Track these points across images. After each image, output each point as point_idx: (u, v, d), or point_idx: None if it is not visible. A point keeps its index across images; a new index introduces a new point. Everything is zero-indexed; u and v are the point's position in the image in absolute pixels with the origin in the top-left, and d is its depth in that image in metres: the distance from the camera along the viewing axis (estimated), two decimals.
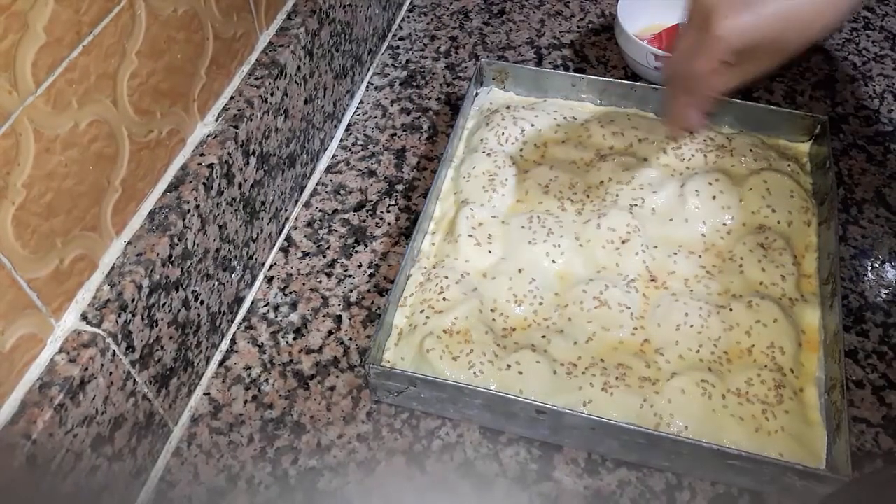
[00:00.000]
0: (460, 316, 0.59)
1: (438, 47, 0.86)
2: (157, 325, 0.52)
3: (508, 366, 0.56)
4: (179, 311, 0.55)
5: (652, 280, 0.62)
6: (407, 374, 0.55)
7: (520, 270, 0.62)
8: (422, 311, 0.60)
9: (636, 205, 0.66)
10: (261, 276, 0.67)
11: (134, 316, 0.50)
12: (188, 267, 0.55)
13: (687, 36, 0.54)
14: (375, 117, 0.79)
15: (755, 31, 0.50)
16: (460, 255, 0.63)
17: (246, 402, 0.59)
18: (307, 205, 0.72)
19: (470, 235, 0.64)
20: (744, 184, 0.66)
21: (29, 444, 0.43)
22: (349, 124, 0.79)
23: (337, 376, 0.60)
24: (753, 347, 0.57)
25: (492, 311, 0.60)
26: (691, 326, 0.58)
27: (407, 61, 0.85)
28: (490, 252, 0.63)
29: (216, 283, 0.59)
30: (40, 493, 0.45)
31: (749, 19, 0.49)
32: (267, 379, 0.60)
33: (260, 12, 0.64)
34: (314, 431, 0.57)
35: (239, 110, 0.60)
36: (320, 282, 0.66)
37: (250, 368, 0.61)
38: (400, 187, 0.73)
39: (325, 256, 0.68)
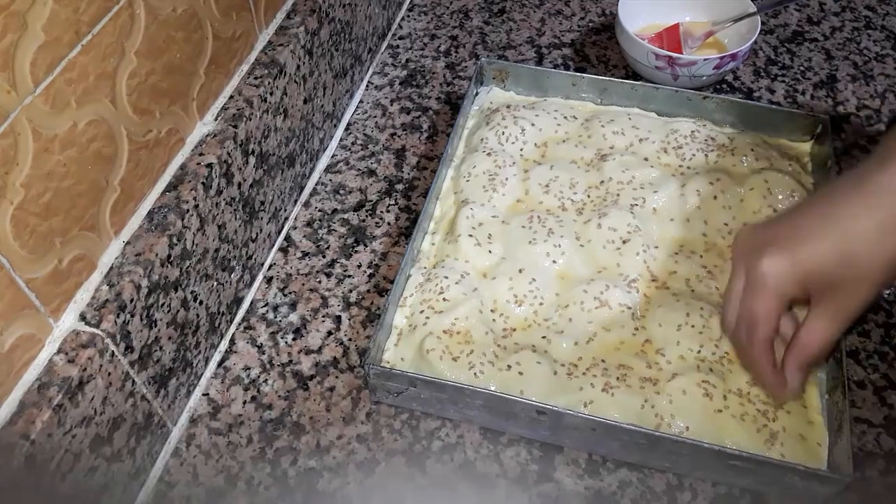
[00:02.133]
0: (460, 316, 0.58)
1: (438, 46, 0.86)
2: (155, 326, 0.52)
3: (509, 366, 0.56)
4: (178, 311, 0.55)
5: (653, 280, 0.62)
6: (407, 375, 0.55)
7: (520, 270, 0.61)
8: (422, 312, 0.60)
9: (637, 204, 0.65)
10: (260, 277, 0.67)
11: (133, 316, 0.50)
12: (187, 267, 0.55)
13: (736, 281, 0.50)
14: (375, 117, 0.79)
15: (800, 269, 0.47)
16: (460, 255, 0.63)
17: (245, 402, 0.59)
18: (307, 204, 0.72)
19: (470, 235, 0.64)
20: (745, 183, 0.66)
21: (27, 444, 0.42)
22: (349, 124, 0.78)
23: (336, 377, 0.60)
24: None
25: (492, 311, 0.60)
26: (692, 327, 0.58)
27: (407, 60, 0.84)
28: (490, 252, 0.63)
29: (215, 284, 0.59)
30: (39, 494, 0.45)
31: (790, 257, 0.47)
32: (266, 379, 0.60)
33: (259, 11, 0.64)
34: (313, 432, 0.57)
35: (238, 110, 0.60)
36: (320, 282, 0.66)
37: (249, 369, 0.61)
38: (400, 187, 0.73)
39: (324, 256, 0.68)
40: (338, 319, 0.64)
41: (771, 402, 0.54)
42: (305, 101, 0.69)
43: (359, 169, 0.74)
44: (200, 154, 0.57)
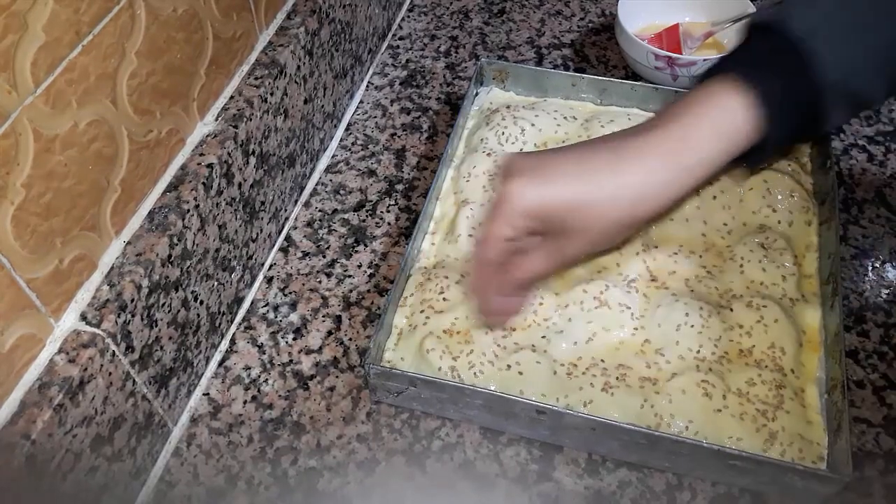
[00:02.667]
0: (460, 316, 0.58)
1: (438, 47, 0.86)
2: (156, 326, 0.52)
3: (508, 366, 0.56)
4: (179, 311, 0.55)
5: (652, 280, 0.62)
6: (407, 375, 0.55)
7: None
8: (422, 311, 0.60)
9: None
10: (260, 276, 0.67)
11: (133, 316, 0.50)
12: (188, 267, 0.55)
13: (491, 207, 0.51)
14: (375, 117, 0.79)
15: (542, 200, 0.48)
16: (460, 255, 0.63)
17: (245, 402, 0.59)
18: (307, 205, 0.72)
19: (470, 235, 0.64)
20: (744, 183, 0.66)
21: (28, 444, 0.43)
22: (349, 124, 0.78)
23: (337, 376, 0.60)
24: (754, 348, 0.57)
25: None
26: (692, 326, 0.58)
27: (407, 61, 0.85)
28: None
29: (216, 283, 0.59)
30: (40, 494, 0.45)
31: (537, 187, 0.48)
32: (266, 379, 0.60)
33: (259, 12, 0.64)
34: (314, 432, 0.57)
35: (238, 110, 0.60)
36: (320, 282, 0.66)
37: (250, 369, 0.61)
38: (400, 187, 0.73)
39: (324, 256, 0.68)
40: (338, 319, 0.64)
41: (771, 403, 0.54)
42: (306, 102, 0.69)
43: (359, 169, 0.74)
44: (201, 154, 0.57)
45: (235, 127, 0.59)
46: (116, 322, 0.48)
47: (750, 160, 0.51)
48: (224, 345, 0.62)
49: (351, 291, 0.65)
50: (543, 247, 0.51)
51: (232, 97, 0.61)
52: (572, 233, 0.49)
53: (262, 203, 0.65)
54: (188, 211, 0.54)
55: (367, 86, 0.82)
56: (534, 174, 0.49)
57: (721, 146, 0.48)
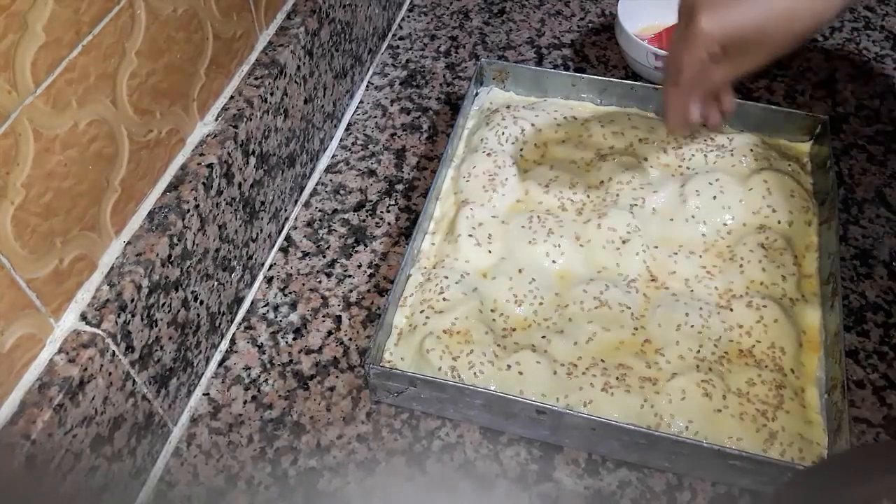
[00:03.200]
0: (460, 316, 0.58)
1: (438, 47, 0.86)
2: (156, 326, 0.52)
3: (508, 366, 0.56)
4: (179, 311, 0.55)
5: (652, 280, 0.62)
6: (407, 375, 0.55)
7: (520, 270, 0.62)
8: (422, 311, 0.60)
9: (636, 205, 0.66)
10: (260, 276, 0.67)
11: (133, 316, 0.50)
12: (188, 267, 0.55)
13: (677, 32, 0.56)
14: (375, 117, 0.79)
15: (735, 26, 0.53)
16: (460, 255, 0.63)
17: (245, 402, 0.59)
18: (307, 205, 0.72)
19: (470, 235, 0.64)
20: (744, 184, 0.66)
21: (28, 444, 0.43)
22: (349, 124, 0.78)
23: (337, 376, 0.60)
24: (754, 348, 0.57)
25: (492, 311, 0.60)
26: (692, 326, 0.58)
27: (407, 61, 0.85)
28: (490, 252, 0.63)
29: (216, 283, 0.59)
30: (40, 494, 0.45)
31: (729, 15, 0.52)
32: (266, 379, 0.60)
33: (259, 12, 0.64)
34: (314, 432, 0.57)
35: (238, 110, 0.60)
36: (320, 282, 0.66)
37: (250, 369, 0.61)
38: (400, 187, 0.73)
39: (324, 256, 0.68)
40: (338, 319, 0.64)
41: (771, 403, 0.54)
42: (306, 102, 0.69)
43: (359, 169, 0.74)
44: (201, 154, 0.57)
45: (235, 127, 0.59)
46: (116, 322, 0.48)
47: None
48: (224, 345, 0.62)
49: (351, 291, 0.65)
50: (724, 64, 0.55)
51: (232, 97, 0.61)
52: (755, 49, 0.54)
53: (262, 203, 0.65)
54: (188, 211, 0.54)
55: (367, 86, 0.82)
56: (716, 2, 0.53)
57: None
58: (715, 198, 0.65)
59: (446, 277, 0.61)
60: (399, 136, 0.77)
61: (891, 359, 0.60)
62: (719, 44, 0.53)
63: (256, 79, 0.62)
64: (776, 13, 0.52)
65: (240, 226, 0.61)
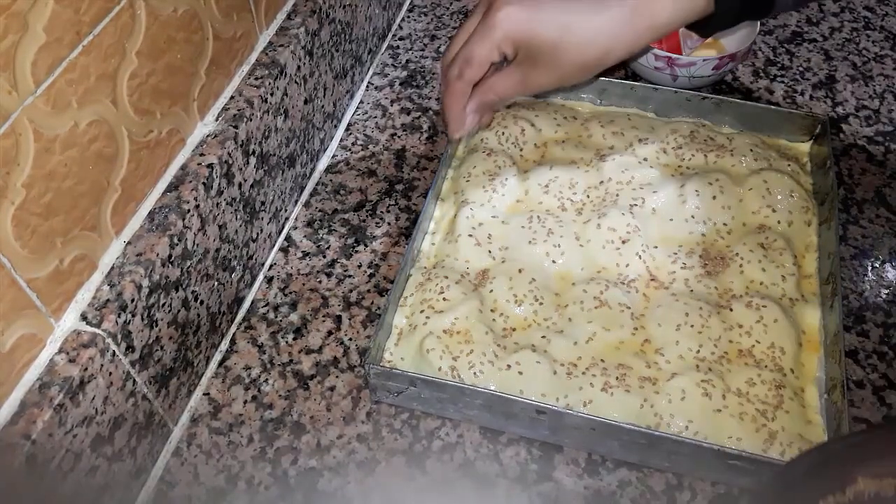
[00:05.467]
0: (460, 316, 0.58)
1: (438, 47, 0.86)
2: (156, 326, 0.52)
3: (508, 366, 0.56)
4: (179, 311, 0.55)
5: (652, 280, 0.62)
6: (407, 375, 0.55)
7: (520, 270, 0.62)
8: (422, 311, 0.60)
9: (636, 205, 0.66)
10: (260, 276, 0.67)
11: (133, 316, 0.50)
12: (188, 267, 0.55)
13: (472, 21, 0.55)
14: (375, 117, 0.79)
15: (531, 29, 0.52)
16: (460, 255, 0.63)
17: (245, 402, 0.59)
18: (307, 205, 0.72)
19: (470, 235, 0.64)
20: (744, 184, 0.66)
21: (28, 444, 0.43)
22: (349, 124, 0.78)
23: (337, 376, 0.60)
24: (754, 348, 0.57)
25: (492, 311, 0.60)
26: (692, 326, 0.58)
27: (407, 61, 0.85)
28: (490, 252, 0.63)
29: (216, 283, 0.59)
30: (40, 494, 0.45)
31: (530, 15, 0.52)
32: (267, 379, 0.60)
33: (260, 12, 0.64)
34: (314, 432, 0.57)
35: (239, 110, 0.60)
36: (320, 282, 0.66)
37: (250, 368, 0.61)
38: (400, 187, 0.73)
39: (324, 256, 0.68)
40: (338, 319, 0.64)
41: (771, 403, 0.54)
42: (306, 102, 0.69)
43: (359, 169, 0.74)
44: (201, 154, 0.57)
45: (236, 127, 0.59)
46: (117, 322, 0.48)
47: (701, 30, 0.57)
48: (224, 345, 0.62)
49: (351, 291, 0.65)
50: (512, 72, 0.54)
51: (232, 97, 0.61)
52: (544, 64, 0.53)
53: (263, 203, 0.65)
54: (188, 211, 0.54)
55: (367, 86, 0.82)
56: (522, 2, 0.52)
57: (681, 13, 0.54)
58: (715, 198, 0.65)
59: (446, 277, 0.61)
60: (399, 136, 0.77)
61: (890, 359, 0.60)
62: (512, 44, 0.52)
63: (257, 79, 0.62)
64: (574, 33, 0.52)
65: (240, 226, 0.62)
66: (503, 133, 0.71)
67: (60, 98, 0.43)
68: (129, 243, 0.52)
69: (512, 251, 0.63)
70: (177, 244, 0.53)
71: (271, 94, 0.63)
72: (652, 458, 0.54)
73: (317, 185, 0.73)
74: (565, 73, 0.54)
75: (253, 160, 0.62)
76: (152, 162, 0.53)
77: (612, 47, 0.53)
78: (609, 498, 0.54)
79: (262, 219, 0.65)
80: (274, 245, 0.69)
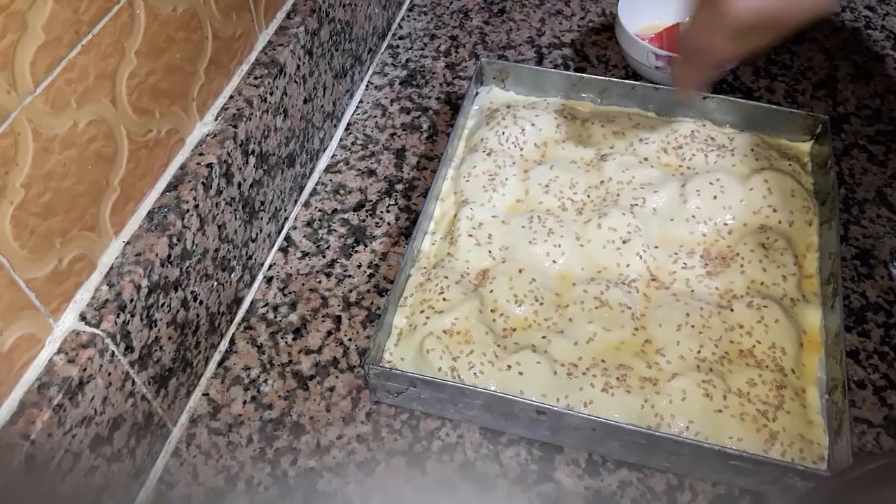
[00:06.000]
0: (460, 316, 0.58)
1: (438, 46, 0.86)
2: (155, 326, 0.52)
3: (509, 366, 0.56)
4: (178, 311, 0.55)
5: (653, 280, 0.62)
6: (407, 375, 0.55)
7: (520, 270, 0.61)
8: (422, 312, 0.60)
9: (637, 205, 0.65)
10: (260, 277, 0.67)
11: (133, 316, 0.50)
12: (187, 267, 0.55)
13: (700, 14, 0.57)
14: (375, 117, 0.79)
15: (764, 9, 0.54)
16: (460, 255, 0.63)
17: (245, 402, 0.59)
18: (307, 204, 0.72)
19: (470, 235, 0.64)
20: (745, 183, 0.66)
21: (28, 444, 0.42)
22: (349, 124, 0.78)
23: (336, 377, 0.60)
24: (755, 348, 0.57)
25: (492, 311, 0.60)
26: (692, 327, 0.58)
27: (407, 60, 0.84)
28: (490, 252, 0.63)
29: (215, 284, 0.59)
30: (39, 494, 0.45)
31: (756, 2, 0.54)
32: (266, 379, 0.60)
33: (259, 11, 0.64)
34: (313, 432, 0.57)
35: (238, 110, 0.60)
36: (320, 282, 0.66)
37: (249, 369, 0.61)
38: (400, 187, 0.73)
39: (324, 256, 0.68)
40: (338, 319, 0.64)
41: (772, 403, 0.54)
42: (305, 101, 0.69)
43: (359, 169, 0.74)
44: (200, 154, 0.57)
45: (235, 127, 0.59)
46: (116, 322, 0.48)
47: None
48: (223, 345, 0.62)
49: (351, 291, 0.65)
50: (733, 39, 0.56)
51: (231, 97, 0.61)
52: (768, 29, 0.56)
53: (262, 203, 0.65)
54: (188, 211, 0.54)
55: (367, 85, 0.82)
56: None
57: None
58: (715, 198, 0.65)
59: (446, 277, 0.61)
60: (399, 136, 0.77)
61: (891, 359, 0.60)
62: (748, 22, 0.55)
63: (256, 78, 0.62)
64: None
65: (239, 226, 0.61)
66: (503, 133, 0.71)
67: (59, 97, 0.43)
68: (128, 243, 0.52)
69: (512, 251, 0.63)
70: (176, 244, 0.53)
71: (271, 94, 0.63)
72: (652, 458, 0.54)
73: (316, 184, 0.73)
74: (785, 31, 0.56)
75: (252, 160, 0.62)
76: (151, 162, 0.53)
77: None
78: (610, 498, 0.54)
79: (262, 219, 0.65)
80: (273, 245, 0.69)
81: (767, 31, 0.56)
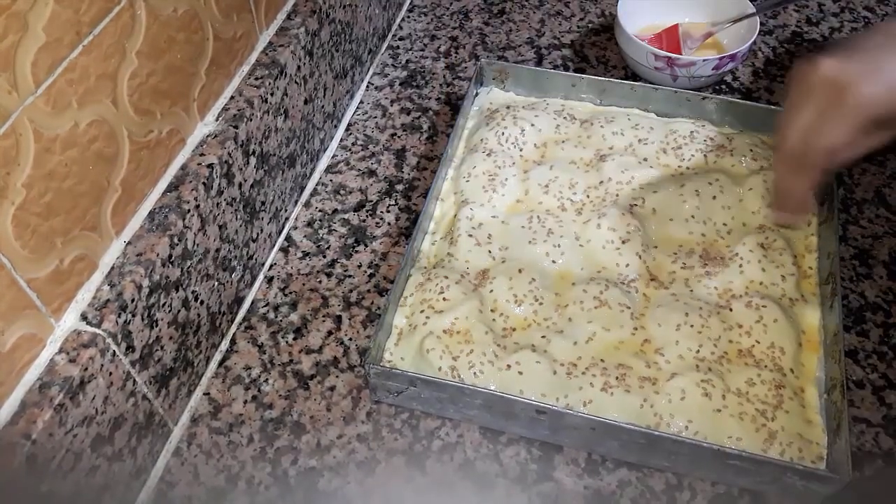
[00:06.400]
0: (460, 316, 0.59)
1: (438, 47, 0.86)
2: (156, 326, 0.52)
3: (508, 366, 0.56)
4: (179, 311, 0.55)
5: (652, 280, 0.62)
6: (407, 375, 0.55)
7: (520, 270, 0.62)
8: (422, 311, 0.60)
9: (636, 205, 0.66)
10: (261, 276, 0.67)
11: (134, 316, 0.50)
12: (188, 267, 0.55)
13: (806, 112, 0.50)
14: (375, 117, 0.79)
15: (889, 100, 0.47)
16: (460, 255, 0.63)
17: (246, 402, 0.59)
18: (307, 205, 0.72)
19: (470, 235, 0.64)
20: (744, 184, 0.66)
21: (29, 444, 0.43)
22: (349, 124, 0.78)
23: (337, 376, 0.60)
24: (754, 347, 0.57)
25: (492, 311, 0.60)
26: (691, 326, 0.58)
27: (407, 61, 0.85)
28: (490, 252, 0.63)
29: (216, 283, 0.59)
30: (40, 494, 0.45)
31: (884, 86, 0.47)
32: (267, 379, 0.60)
33: (260, 12, 0.64)
34: (314, 431, 0.57)
35: (239, 110, 0.60)
36: (320, 282, 0.66)
37: (250, 368, 0.61)
38: (400, 187, 0.73)
39: (325, 256, 0.68)
40: (338, 319, 0.64)
41: (771, 402, 0.54)
42: (306, 102, 0.69)
43: (359, 169, 0.74)
44: (201, 154, 0.57)
45: (236, 127, 0.59)
46: (117, 322, 0.48)
47: None
48: (224, 345, 0.62)
49: (351, 291, 0.65)
50: (856, 140, 0.50)
51: (232, 97, 0.61)
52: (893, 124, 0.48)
53: (263, 203, 0.65)
54: (188, 211, 0.54)
55: (367, 86, 0.82)
56: (860, 63, 0.47)
57: None
58: (714, 198, 0.65)
59: (446, 277, 0.61)
60: (399, 136, 0.77)
61: (890, 359, 0.60)
62: (877, 111, 0.48)
63: (257, 79, 0.62)
64: None
65: (240, 226, 0.62)
66: (503, 133, 0.71)
67: (60, 98, 0.43)
68: (129, 243, 0.52)
69: (512, 251, 0.63)
70: (177, 244, 0.53)
71: (271, 94, 0.63)
72: (652, 457, 0.54)
73: (317, 185, 0.73)
74: None
75: (253, 160, 0.62)
76: (152, 162, 0.53)
77: None
78: (609, 498, 0.54)
79: (263, 219, 0.65)
80: (274, 245, 0.69)
81: (893, 124, 0.49)
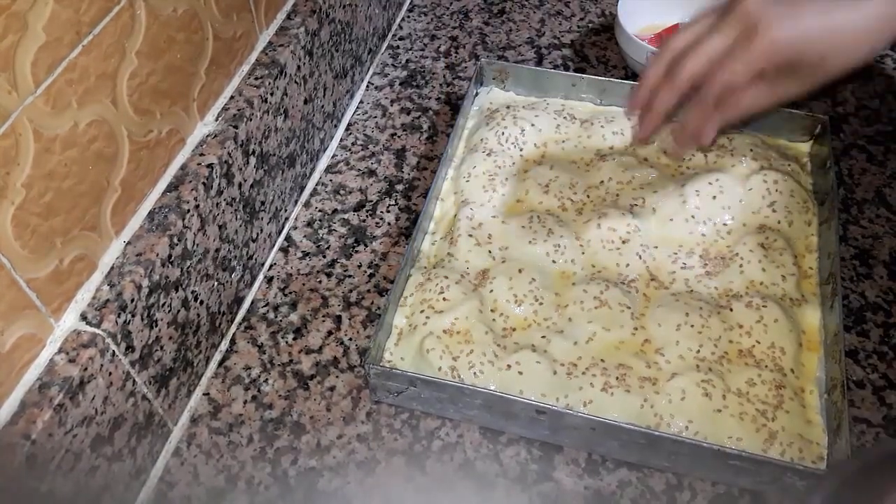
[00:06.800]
0: (460, 316, 0.58)
1: (438, 47, 0.86)
2: (156, 326, 0.52)
3: (508, 366, 0.56)
4: (179, 311, 0.55)
5: (652, 280, 0.62)
6: (407, 375, 0.55)
7: (520, 270, 0.62)
8: (422, 311, 0.60)
9: (636, 205, 0.66)
10: (260, 276, 0.67)
11: (133, 316, 0.50)
12: (188, 267, 0.55)
13: (717, 40, 0.50)
14: (375, 117, 0.79)
15: (801, 43, 0.47)
16: (460, 255, 0.63)
17: (245, 402, 0.59)
18: (307, 205, 0.72)
19: (470, 235, 0.64)
20: (744, 184, 0.66)
21: (28, 444, 0.43)
22: (349, 124, 0.78)
23: (337, 376, 0.60)
24: (754, 348, 0.57)
25: (492, 311, 0.60)
26: (692, 326, 0.58)
27: (407, 61, 0.85)
28: (490, 252, 0.63)
29: (216, 283, 0.59)
30: (40, 494, 0.45)
31: (796, 31, 0.47)
32: (266, 379, 0.60)
33: (260, 12, 0.64)
34: (314, 432, 0.57)
35: (239, 110, 0.60)
36: (320, 282, 0.66)
37: (250, 368, 0.61)
38: (400, 187, 0.73)
39: (324, 256, 0.68)
40: (338, 319, 0.64)
41: (771, 403, 0.54)
42: (306, 102, 0.69)
43: (359, 169, 0.74)
44: (201, 154, 0.57)
45: (235, 127, 0.59)
46: (117, 322, 0.48)
47: None
48: (224, 345, 0.62)
49: (351, 291, 0.65)
50: (763, 85, 0.49)
51: (232, 97, 0.61)
52: (805, 74, 0.48)
53: (263, 203, 0.65)
54: (188, 211, 0.54)
55: (367, 86, 0.82)
56: (783, 5, 0.47)
57: None
58: (715, 198, 0.65)
59: (446, 277, 0.61)
60: (399, 136, 0.77)
61: (890, 359, 0.60)
62: (777, 63, 0.48)
63: (257, 79, 0.62)
64: (841, 39, 0.47)
65: (240, 226, 0.62)
66: (503, 133, 0.71)
67: (60, 98, 0.43)
68: (128, 243, 0.52)
69: (512, 251, 0.63)
70: (177, 244, 0.53)
71: (271, 94, 0.63)
72: (652, 458, 0.54)
73: (317, 184, 0.73)
74: (825, 78, 0.49)
75: (253, 160, 0.62)
76: (152, 162, 0.53)
77: (876, 46, 0.48)
78: (609, 498, 0.54)
79: (262, 219, 0.65)
80: (274, 245, 0.69)
81: (801, 76, 0.49)
